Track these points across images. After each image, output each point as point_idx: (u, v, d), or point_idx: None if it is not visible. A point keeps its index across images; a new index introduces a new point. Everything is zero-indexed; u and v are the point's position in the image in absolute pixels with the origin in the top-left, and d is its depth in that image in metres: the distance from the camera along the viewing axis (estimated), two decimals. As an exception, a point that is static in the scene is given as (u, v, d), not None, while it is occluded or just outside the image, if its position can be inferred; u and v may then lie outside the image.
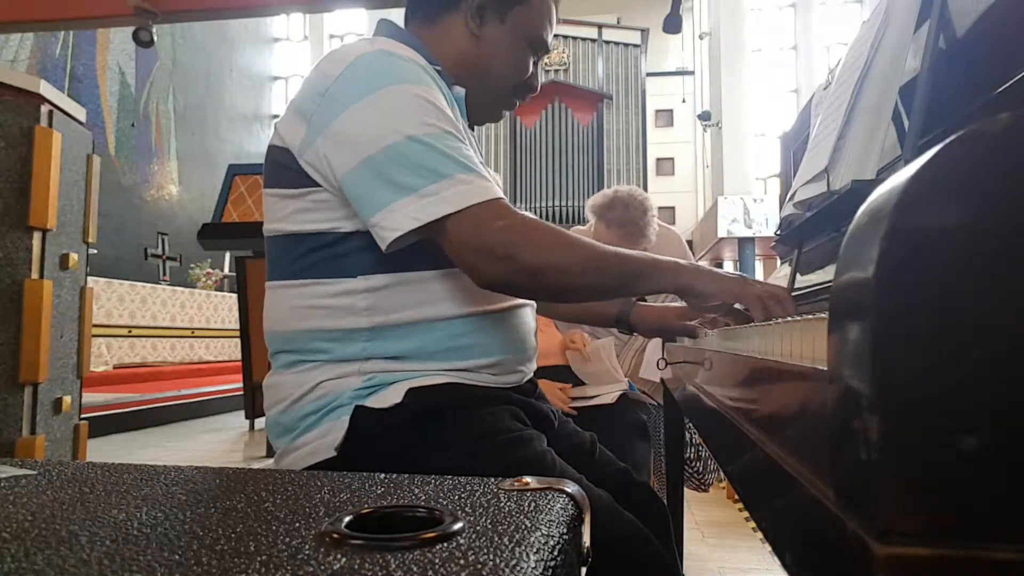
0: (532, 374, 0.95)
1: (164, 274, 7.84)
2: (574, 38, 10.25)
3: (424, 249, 0.78)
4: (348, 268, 0.80)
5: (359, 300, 0.80)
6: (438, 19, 0.92)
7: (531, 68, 0.96)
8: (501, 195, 0.77)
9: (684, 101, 11.73)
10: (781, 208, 1.11)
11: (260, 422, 3.93)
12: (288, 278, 0.83)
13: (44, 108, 1.78)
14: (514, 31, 0.92)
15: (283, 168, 0.82)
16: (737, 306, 0.85)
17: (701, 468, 1.97)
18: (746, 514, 2.32)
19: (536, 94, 0.99)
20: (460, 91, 0.90)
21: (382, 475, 0.61)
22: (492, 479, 0.57)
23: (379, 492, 0.54)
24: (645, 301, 1.24)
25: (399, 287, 0.80)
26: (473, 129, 0.96)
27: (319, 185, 0.80)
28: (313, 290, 0.81)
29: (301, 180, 0.80)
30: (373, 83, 0.77)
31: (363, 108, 0.76)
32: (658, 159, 12.16)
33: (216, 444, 3.87)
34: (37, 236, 1.75)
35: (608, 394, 1.67)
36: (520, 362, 0.90)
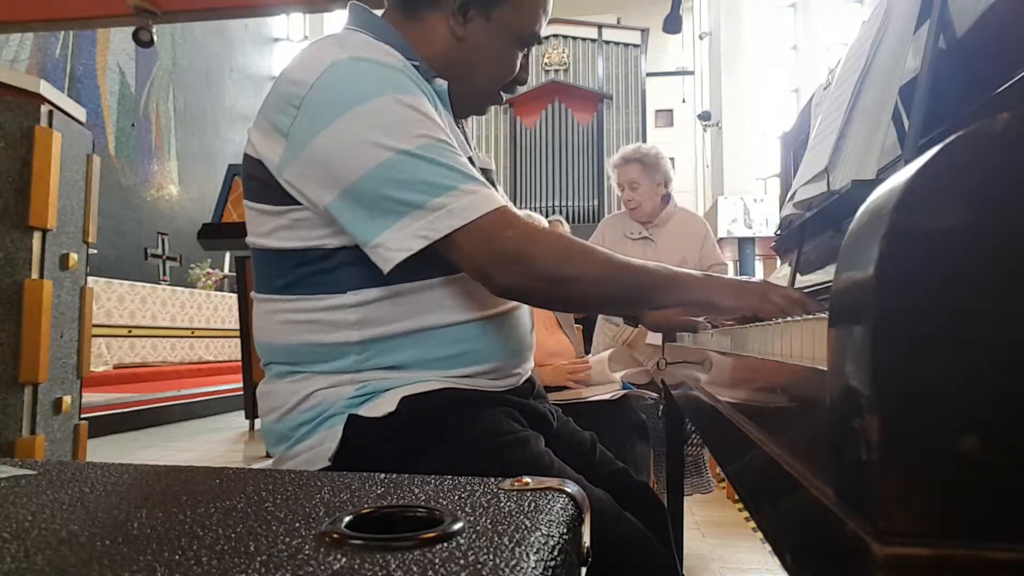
0: (529, 373, 0.94)
1: (164, 274, 7.83)
2: (574, 38, 10.25)
3: (416, 260, 0.73)
4: (337, 284, 0.78)
5: (349, 315, 0.77)
6: (419, 13, 0.86)
7: (519, 62, 0.90)
8: (505, 202, 0.76)
9: (684, 101, 11.71)
10: (781, 208, 1.12)
11: (260, 422, 3.92)
12: (275, 293, 0.81)
13: (44, 108, 1.78)
14: (501, 29, 0.86)
15: (261, 183, 0.78)
16: None
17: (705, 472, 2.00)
18: (746, 514, 2.32)
19: (524, 85, 0.95)
20: (442, 84, 0.85)
21: (382, 475, 0.61)
22: (492, 479, 0.57)
23: (379, 492, 0.54)
24: None
25: (391, 299, 0.78)
26: (461, 127, 0.92)
27: (299, 203, 0.76)
28: (301, 305, 0.79)
29: (281, 198, 0.77)
30: (353, 96, 0.72)
31: (345, 125, 0.71)
32: (658, 159, 12.11)
33: (216, 444, 3.87)
34: (37, 236, 1.75)
35: (602, 394, 1.68)
36: (517, 365, 0.89)
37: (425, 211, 0.71)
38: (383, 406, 0.76)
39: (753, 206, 5.95)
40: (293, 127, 0.74)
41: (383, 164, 0.71)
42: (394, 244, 0.71)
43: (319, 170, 0.73)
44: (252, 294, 0.86)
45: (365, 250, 0.74)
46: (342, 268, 0.78)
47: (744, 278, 0.83)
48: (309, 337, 0.79)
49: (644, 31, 10.17)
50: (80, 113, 2.05)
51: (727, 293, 0.78)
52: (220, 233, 3.50)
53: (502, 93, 0.94)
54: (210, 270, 8.24)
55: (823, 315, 0.37)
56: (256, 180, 0.79)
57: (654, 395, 1.86)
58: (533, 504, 0.49)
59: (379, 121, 0.72)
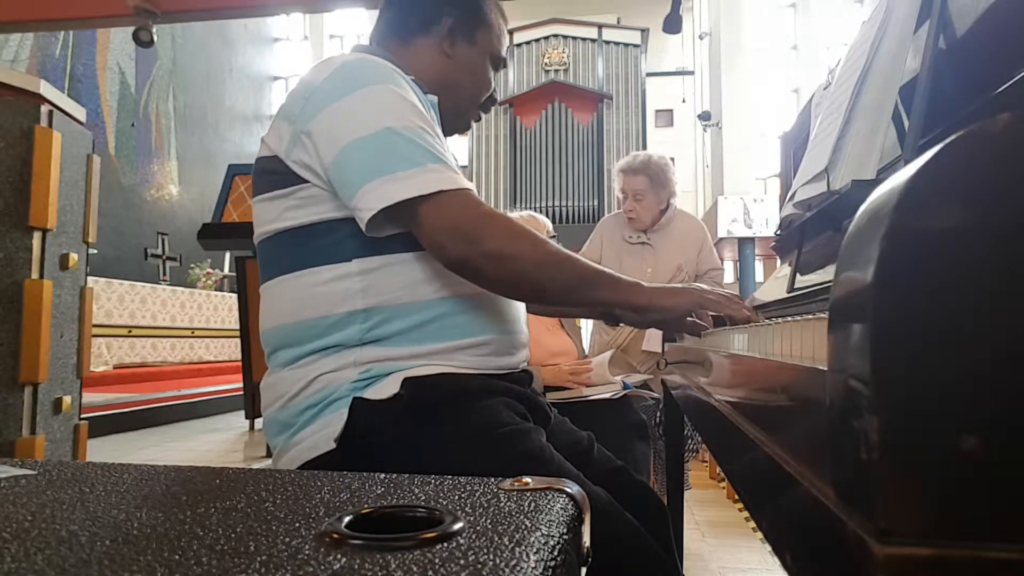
0: (526, 363, 0.96)
1: (164, 274, 7.83)
2: (574, 38, 10.24)
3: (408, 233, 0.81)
4: (342, 253, 0.83)
5: (354, 283, 0.82)
6: (411, 40, 1.00)
7: (492, 83, 1.06)
8: (470, 187, 0.82)
9: (684, 101, 11.70)
10: (781, 208, 1.12)
11: (260, 422, 3.92)
12: (284, 272, 0.85)
13: (44, 108, 1.78)
14: (481, 50, 1.01)
15: (270, 174, 0.86)
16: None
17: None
18: (746, 514, 2.32)
19: (495, 104, 1.10)
20: (434, 98, 0.96)
21: (382, 475, 0.61)
22: (492, 479, 0.57)
23: (379, 492, 0.54)
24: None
25: (392, 268, 0.83)
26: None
27: (307, 181, 0.83)
28: (310, 279, 0.83)
29: (289, 180, 0.84)
30: (355, 83, 0.82)
31: (346, 103, 0.81)
32: (658, 159, 12.09)
33: (216, 444, 3.87)
34: (37, 236, 1.75)
35: (602, 394, 1.68)
36: (512, 345, 0.91)
37: (393, 178, 0.77)
38: (387, 388, 0.79)
39: (753, 206, 5.94)
40: (300, 114, 0.83)
41: (370, 136, 0.79)
42: (363, 204, 0.78)
43: (320, 139, 0.81)
44: (261, 287, 0.89)
45: (353, 214, 0.80)
46: (347, 239, 0.83)
47: (675, 285, 0.92)
48: (316, 311, 0.83)
49: (644, 31, 10.16)
50: (80, 113, 2.05)
51: (668, 296, 0.88)
52: (220, 233, 3.49)
53: (480, 112, 1.06)
54: (210, 270, 8.24)
55: (823, 315, 0.37)
56: (266, 173, 0.86)
57: (654, 395, 1.86)
58: (533, 504, 0.49)
59: (374, 102, 0.81)
